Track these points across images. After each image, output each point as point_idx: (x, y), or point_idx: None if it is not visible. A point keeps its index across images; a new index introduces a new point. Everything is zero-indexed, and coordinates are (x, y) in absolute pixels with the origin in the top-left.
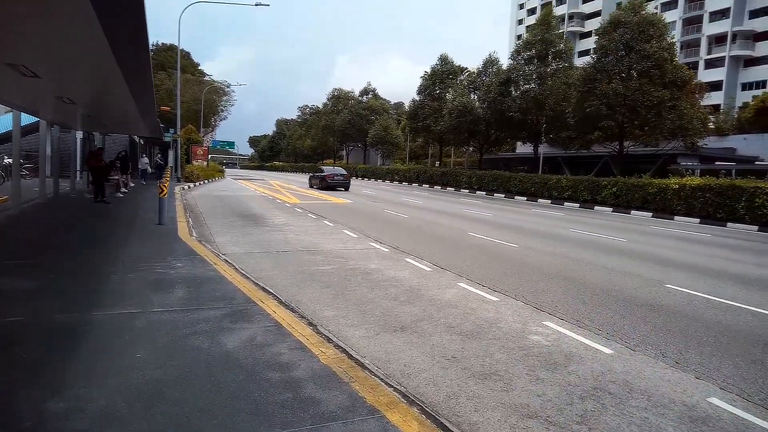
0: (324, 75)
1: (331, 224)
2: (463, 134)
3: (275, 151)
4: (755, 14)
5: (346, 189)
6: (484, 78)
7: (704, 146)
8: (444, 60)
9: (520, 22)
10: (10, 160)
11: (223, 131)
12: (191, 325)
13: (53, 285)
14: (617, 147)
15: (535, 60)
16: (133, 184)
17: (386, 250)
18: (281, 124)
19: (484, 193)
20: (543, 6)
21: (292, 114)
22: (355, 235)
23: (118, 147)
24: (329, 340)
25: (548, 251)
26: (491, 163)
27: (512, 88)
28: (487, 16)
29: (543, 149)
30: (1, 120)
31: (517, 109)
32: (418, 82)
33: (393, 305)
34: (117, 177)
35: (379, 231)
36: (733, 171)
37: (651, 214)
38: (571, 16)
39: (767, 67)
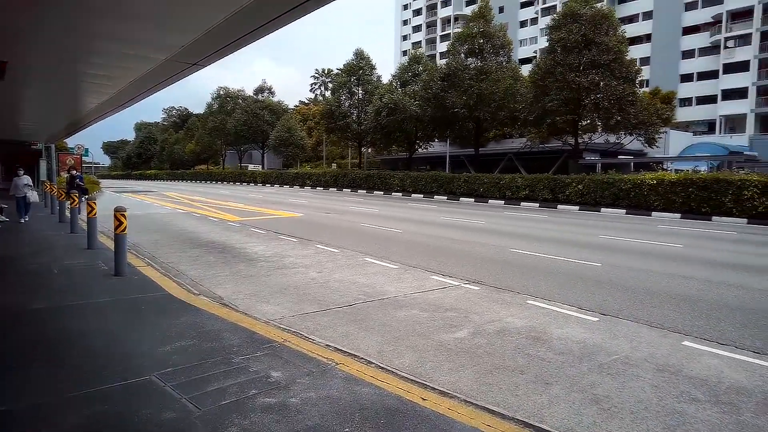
0: (184, 78)
1: (336, 250)
2: (395, 133)
3: (144, 158)
4: None
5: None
6: (408, 75)
7: (589, 141)
8: (359, 55)
9: (405, 22)
10: None
11: (72, 137)
12: None
13: None
14: (571, 142)
15: (475, 53)
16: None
17: (475, 288)
18: (142, 127)
19: (422, 196)
20: (428, 8)
21: (155, 117)
22: (394, 266)
23: None
24: None
25: (645, 269)
26: (390, 163)
27: (449, 83)
28: (357, 17)
29: (443, 148)
30: None
31: (462, 106)
32: (288, 82)
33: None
34: None
35: (404, 255)
36: (632, 164)
37: (624, 211)
38: (456, 18)
39: None
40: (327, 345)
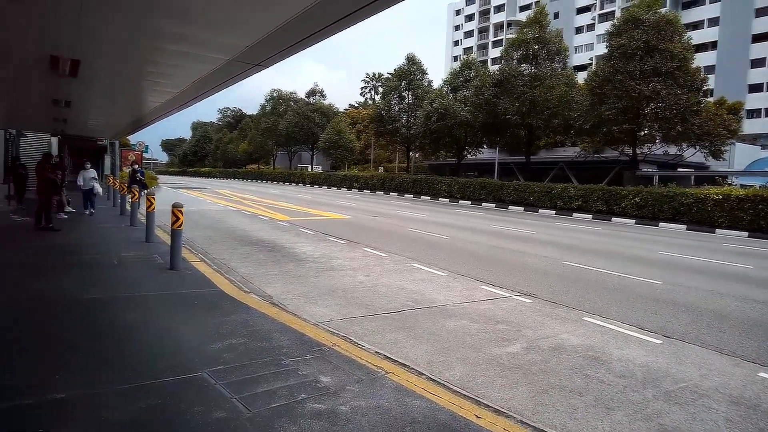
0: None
1: (384, 254)
2: (444, 139)
3: (200, 156)
4: None
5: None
6: (459, 80)
7: (648, 152)
8: (411, 60)
9: (457, 28)
10: None
11: (134, 134)
12: None
13: None
14: (629, 152)
15: (529, 59)
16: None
17: (527, 301)
18: (198, 126)
19: (470, 202)
20: (481, 13)
21: (210, 117)
22: (442, 273)
23: (35, 150)
24: None
25: (710, 290)
26: (437, 168)
27: (502, 89)
28: (408, 22)
29: (492, 155)
30: None
31: (515, 112)
32: (337, 86)
33: None
34: (62, 193)
35: (453, 262)
36: (692, 178)
37: (685, 226)
38: (509, 24)
39: None
40: (376, 352)
